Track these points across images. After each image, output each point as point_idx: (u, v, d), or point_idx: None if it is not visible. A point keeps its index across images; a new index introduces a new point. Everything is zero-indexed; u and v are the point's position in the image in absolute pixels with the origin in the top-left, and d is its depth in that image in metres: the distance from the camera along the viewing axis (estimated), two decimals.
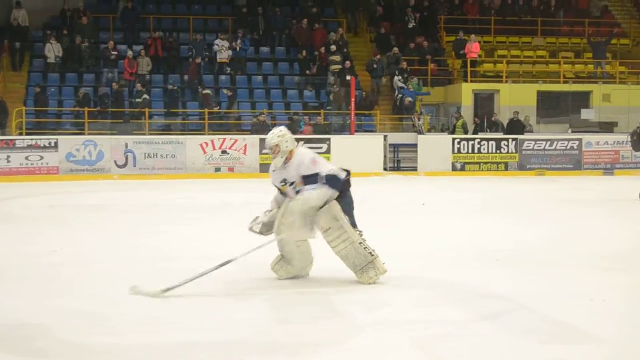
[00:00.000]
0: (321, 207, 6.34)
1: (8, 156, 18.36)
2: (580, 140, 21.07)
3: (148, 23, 25.09)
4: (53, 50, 22.68)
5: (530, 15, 27.24)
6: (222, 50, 23.43)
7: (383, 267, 6.37)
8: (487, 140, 20.79)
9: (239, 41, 23.81)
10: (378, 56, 23.81)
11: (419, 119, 22.13)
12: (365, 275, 6.34)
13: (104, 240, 9.07)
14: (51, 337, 4.88)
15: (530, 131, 22.26)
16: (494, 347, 4.69)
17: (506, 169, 20.61)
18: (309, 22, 24.84)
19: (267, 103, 23.19)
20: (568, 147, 20.91)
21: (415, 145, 20.59)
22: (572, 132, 22.39)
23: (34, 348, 4.68)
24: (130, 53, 22.89)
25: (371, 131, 22.34)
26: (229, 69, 23.67)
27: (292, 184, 6.37)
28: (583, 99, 24.02)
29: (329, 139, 19.93)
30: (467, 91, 23.59)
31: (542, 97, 23.82)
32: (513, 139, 20.79)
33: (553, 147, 20.84)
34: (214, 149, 19.35)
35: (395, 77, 23.16)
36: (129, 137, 19.55)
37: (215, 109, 22.08)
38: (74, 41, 23.15)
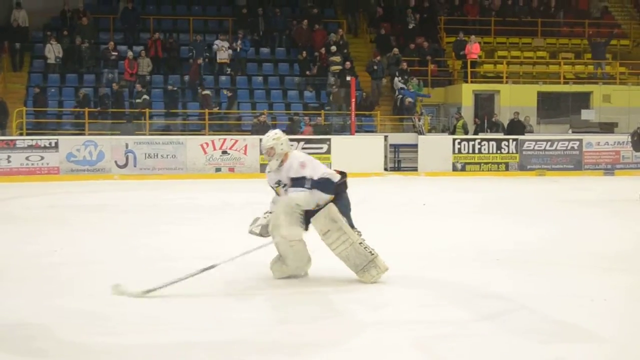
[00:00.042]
0: (317, 211, 6.34)
1: (9, 156, 18.38)
2: (580, 140, 21.07)
3: (148, 24, 25.10)
4: (53, 51, 22.69)
5: (530, 16, 27.26)
6: (222, 50, 23.42)
7: (384, 265, 6.37)
8: (488, 140, 20.79)
9: (239, 42, 23.82)
10: (378, 57, 23.81)
11: (419, 120, 22.12)
12: (367, 274, 6.34)
13: (104, 240, 9.06)
14: (51, 337, 4.88)
15: (531, 132, 22.27)
16: (495, 347, 4.69)
17: (507, 169, 20.61)
18: (309, 23, 24.84)
19: (267, 104, 23.20)
20: (568, 148, 20.91)
21: (415, 146, 20.60)
22: (573, 132, 22.38)
23: (34, 348, 4.67)
24: (130, 54, 22.90)
25: (372, 132, 22.34)
26: (229, 69, 23.68)
27: (284, 186, 6.41)
28: (583, 100, 24.02)
29: (329, 140, 19.94)
30: (467, 92, 23.59)
31: (543, 97, 23.82)
32: (513, 140, 20.80)
33: (553, 148, 20.85)
34: (215, 149, 19.36)
35: (396, 78, 23.16)
36: (130, 137, 19.56)
37: (215, 110, 22.08)
38: (74, 42, 23.16)
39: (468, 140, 20.77)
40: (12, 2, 24.35)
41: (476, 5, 27.33)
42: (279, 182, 6.46)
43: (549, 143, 20.88)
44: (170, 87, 22.38)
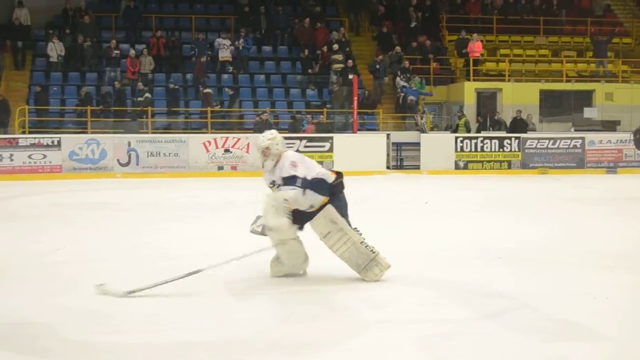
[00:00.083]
0: (313, 214, 6.35)
1: (11, 154, 18.40)
2: (583, 138, 21.05)
3: (150, 22, 25.11)
4: (55, 49, 22.70)
5: (532, 14, 27.22)
6: (224, 48, 23.43)
7: (386, 262, 6.36)
8: (490, 138, 20.78)
9: (241, 40, 23.82)
10: (380, 57, 23.79)
11: (421, 118, 22.12)
12: (370, 273, 6.34)
13: (107, 238, 9.07)
14: (54, 336, 4.88)
15: (533, 130, 22.27)
16: (497, 346, 4.69)
17: (509, 167, 20.60)
18: (311, 21, 24.84)
19: (269, 102, 23.20)
20: (571, 146, 20.90)
21: (418, 144, 20.60)
22: (575, 130, 22.37)
23: (37, 347, 4.67)
24: (132, 52, 22.90)
25: (374, 130, 22.34)
26: (231, 67, 23.68)
27: (278, 186, 6.42)
28: (586, 98, 24.00)
29: (331, 138, 19.93)
30: (469, 90, 23.58)
31: (545, 96, 23.81)
32: (516, 138, 20.79)
33: (556, 146, 20.83)
34: (217, 147, 19.37)
35: (398, 78, 23.16)
36: (132, 135, 19.57)
37: (217, 108, 22.09)
38: (76, 40, 23.17)
39: (470, 138, 20.76)
40: (14, 1, 24.35)
41: (478, 3, 27.30)
42: (273, 182, 6.46)
43: (552, 141, 20.87)
44: (171, 86, 22.39)
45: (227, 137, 19.55)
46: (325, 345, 4.72)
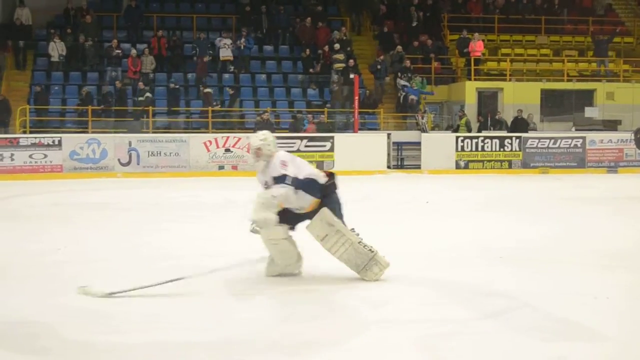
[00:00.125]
0: (306, 216, 6.35)
1: (12, 154, 18.40)
2: (584, 138, 21.04)
3: (152, 22, 25.11)
4: (57, 49, 22.70)
5: (533, 14, 27.20)
6: (225, 47, 23.43)
7: (385, 261, 6.36)
8: (491, 138, 20.77)
9: (242, 40, 23.82)
10: (382, 57, 23.78)
11: (422, 117, 22.11)
12: (370, 273, 6.33)
13: (108, 238, 9.08)
14: (55, 336, 4.88)
15: (534, 129, 22.26)
16: (497, 345, 4.69)
17: (510, 167, 20.59)
18: (312, 20, 24.83)
19: (270, 101, 23.20)
20: (572, 145, 20.89)
21: (419, 144, 20.58)
22: (576, 130, 22.36)
23: (38, 346, 4.68)
24: (134, 52, 22.90)
25: (375, 129, 22.33)
26: (232, 67, 23.69)
27: (270, 186, 6.42)
28: (587, 97, 23.99)
29: (332, 137, 19.92)
30: (470, 89, 23.57)
31: (546, 95, 23.79)
32: (517, 137, 20.78)
33: (557, 145, 20.82)
34: (218, 147, 19.37)
35: (399, 78, 23.16)
36: (133, 135, 19.57)
37: (217, 107, 22.09)
38: (77, 40, 23.18)
39: (471, 138, 20.75)
40: (16, 0, 24.37)
41: (480, 2, 27.29)
42: (266, 183, 6.46)
43: (552, 141, 20.85)
44: (172, 85, 22.39)
45: (227, 137, 19.55)
46: (325, 345, 4.72)
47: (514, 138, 20.77)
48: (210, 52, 23.63)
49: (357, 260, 6.33)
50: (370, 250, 6.32)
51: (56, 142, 18.70)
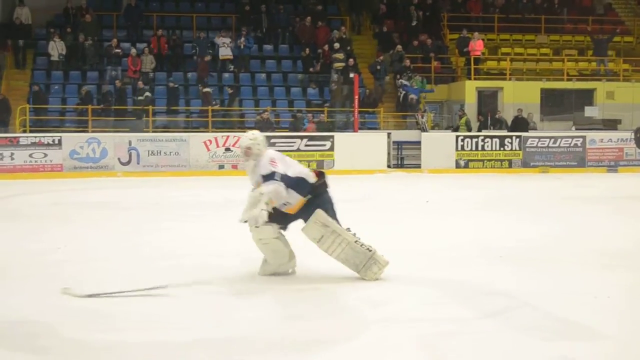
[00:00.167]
0: (297, 216, 6.36)
1: (12, 153, 18.41)
2: (584, 137, 21.04)
3: (151, 21, 25.12)
4: (57, 48, 22.71)
5: (533, 13, 27.21)
6: (225, 46, 23.42)
7: (384, 260, 6.34)
8: (491, 137, 20.77)
9: (242, 39, 23.82)
10: (381, 57, 23.78)
11: (422, 117, 22.10)
12: (370, 272, 6.32)
13: (108, 237, 9.07)
14: (54, 335, 4.88)
15: (534, 128, 22.25)
16: (498, 345, 4.68)
17: (510, 166, 20.59)
18: (312, 20, 24.84)
19: (270, 101, 23.20)
20: (572, 145, 20.89)
21: (419, 143, 20.58)
22: (576, 129, 22.35)
23: (37, 345, 4.67)
24: (133, 51, 22.91)
25: (375, 129, 22.33)
26: (232, 66, 23.68)
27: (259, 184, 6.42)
28: (587, 97, 23.99)
29: (332, 137, 19.92)
30: (470, 89, 23.57)
31: (546, 94, 23.79)
32: (517, 137, 20.78)
33: (557, 145, 20.82)
34: (218, 146, 19.37)
35: (399, 77, 23.15)
36: (133, 134, 19.57)
37: (217, 107, 22.08)
38: (77, 39, 23.18)
39: (471, 137, 20.75)
40: None
41: (479, 2, 27.30)
42: (257, 183, 6.45)
43: (552, 140, 20.85)
44: (171, 85, 22.38)
45: (227, 136, 19.55)
46: (326, 344, 4.72)
47: (514, 137, 20.77)
48: (210, 51, 23.63)
49: (355, 260, 6.32)
50: (368, 249, 6.30)
51: (56, 142, 18.71)
